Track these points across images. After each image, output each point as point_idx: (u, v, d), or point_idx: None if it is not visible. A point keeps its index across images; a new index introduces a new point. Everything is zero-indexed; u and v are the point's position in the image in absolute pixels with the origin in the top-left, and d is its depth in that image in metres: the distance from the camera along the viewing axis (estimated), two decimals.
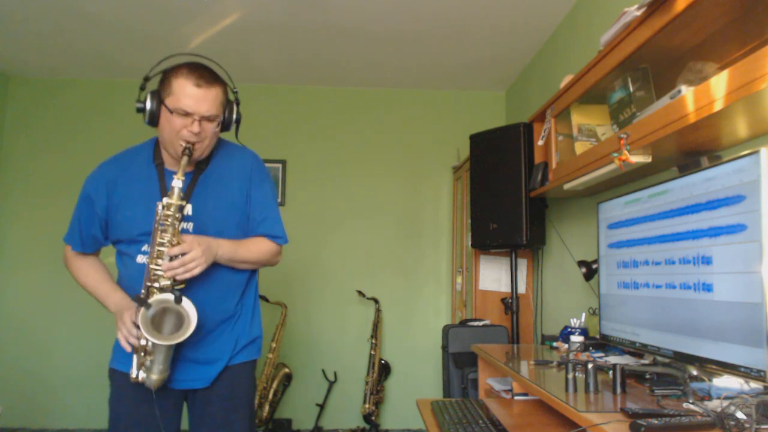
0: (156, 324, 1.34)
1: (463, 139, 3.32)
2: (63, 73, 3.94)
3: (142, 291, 1.37)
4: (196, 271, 1.36)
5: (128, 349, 1.39)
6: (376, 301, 3.87)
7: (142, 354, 1.38)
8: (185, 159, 1.39)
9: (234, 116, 1.52)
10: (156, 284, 1.37)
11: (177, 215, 1.37)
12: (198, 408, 1.52)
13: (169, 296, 1.35)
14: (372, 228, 4.07)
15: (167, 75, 1.42)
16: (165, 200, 1.36)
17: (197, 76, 1.39)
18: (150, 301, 1.34)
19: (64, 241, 1.58)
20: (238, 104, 1.53)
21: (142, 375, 1.38)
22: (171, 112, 1.39)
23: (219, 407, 1.51)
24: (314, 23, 3.13)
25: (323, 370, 3.88)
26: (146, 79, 1.45)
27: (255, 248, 1.54)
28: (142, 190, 1.49)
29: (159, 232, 1.37)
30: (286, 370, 3.68)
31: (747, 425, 1.01)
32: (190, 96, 1.38)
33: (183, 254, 1.35)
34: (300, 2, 2.90)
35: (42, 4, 2.94)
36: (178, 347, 1.43)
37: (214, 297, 1.50)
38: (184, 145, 1.40)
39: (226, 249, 1.45)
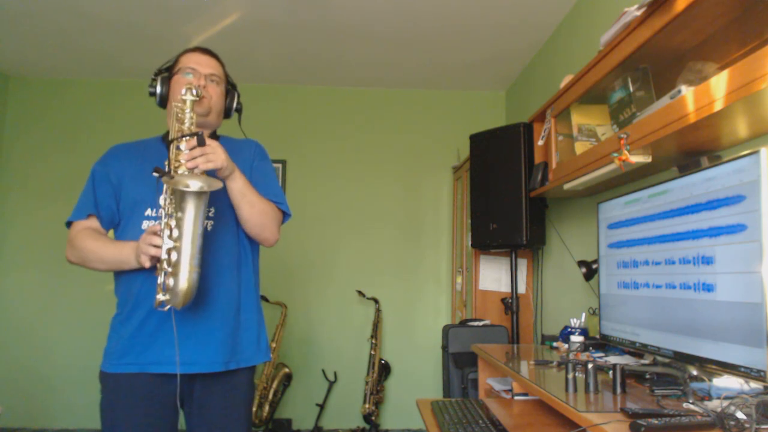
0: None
1: (463, 139, 3.32)
2: (63, 73, 3.94)
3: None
4: (211, 165, 1.35)
5: (152, 252, 1.30)
6: (376, 301, 3.87)
7: (167, 253, 1.28)
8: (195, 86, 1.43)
9: (235, 104, 1.66)
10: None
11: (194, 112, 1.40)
12: (195, 413, 1.51)
13: (191, 176, 1.30)
14: (372, 228, 4.07)
15: (176, 59, 1.60)
16: (184, 91, 1.39)
17: (201, 49, 1.60)
18: (173, 174, 1.31)
19: (70, 220, 1.52)
20: (238, 96, 1.68)
21: (170, 281, 1.28)
22: (178, 73, 1.53)
23: (216, 413, 1.50)
24: (314, 23, 3.13)
25: (323, 370, 3.88)
26: (158, 72, 1.60)
27: (262, 199, 1.53)
28: (151, 158, 1.51)
29: (178, 119, 1.39)
30: (286, 370, 3.68)
31: (747, 425, 1.01)
32: (195, 58, 1.56)
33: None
34: (300, 2, 2.90)
35: (42, 4, 2.94)
36: (179, 323, 1.40)
37: (221, 263, 1.49)
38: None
39: (243, 177, 1.47)
